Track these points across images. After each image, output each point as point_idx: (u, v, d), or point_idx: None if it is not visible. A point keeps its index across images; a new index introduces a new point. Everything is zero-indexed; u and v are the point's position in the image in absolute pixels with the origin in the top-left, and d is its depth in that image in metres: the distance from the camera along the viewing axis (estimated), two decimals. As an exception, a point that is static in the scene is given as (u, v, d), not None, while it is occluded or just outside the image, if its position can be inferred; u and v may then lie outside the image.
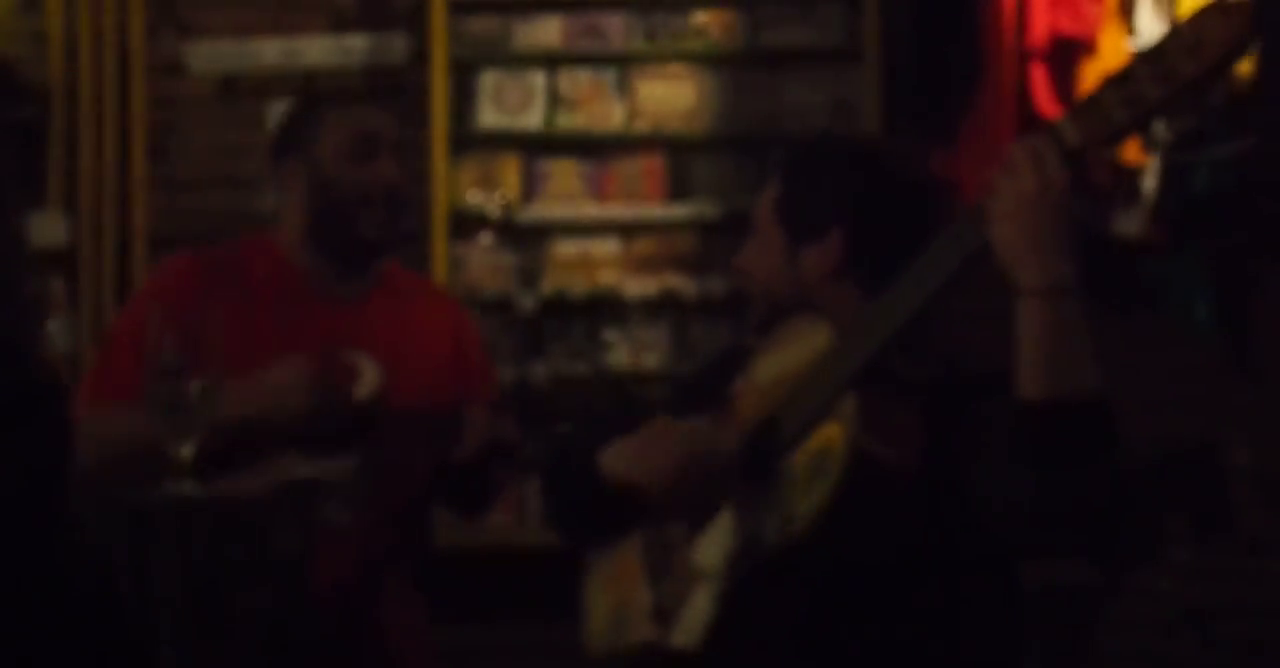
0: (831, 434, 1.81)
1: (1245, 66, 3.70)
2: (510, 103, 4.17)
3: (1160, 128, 3.86)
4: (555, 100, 4.17)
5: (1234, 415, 4.06)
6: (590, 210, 4.14)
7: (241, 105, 4.27)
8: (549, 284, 4.10)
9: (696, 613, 1.93)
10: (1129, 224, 3.93)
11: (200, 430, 2.05)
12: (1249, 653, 4.00)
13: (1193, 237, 3.97)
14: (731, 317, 4.06)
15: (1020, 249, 1.71)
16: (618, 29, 4.18)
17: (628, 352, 4.10)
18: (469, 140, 4.16)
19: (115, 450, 2.27)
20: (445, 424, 2.43)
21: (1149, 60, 1.62)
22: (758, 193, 2.11)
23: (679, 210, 4.12)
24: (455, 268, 4.09)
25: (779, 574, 1.86)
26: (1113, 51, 3.81)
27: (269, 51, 4.25)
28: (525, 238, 4.15)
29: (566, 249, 4.14)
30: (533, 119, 4.17)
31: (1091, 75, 3.81)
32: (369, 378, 2.35)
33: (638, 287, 4.08)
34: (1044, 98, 3.83)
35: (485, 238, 4.14)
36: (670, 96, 4.16)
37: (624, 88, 4.17)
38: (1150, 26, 3.84)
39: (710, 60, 4.16)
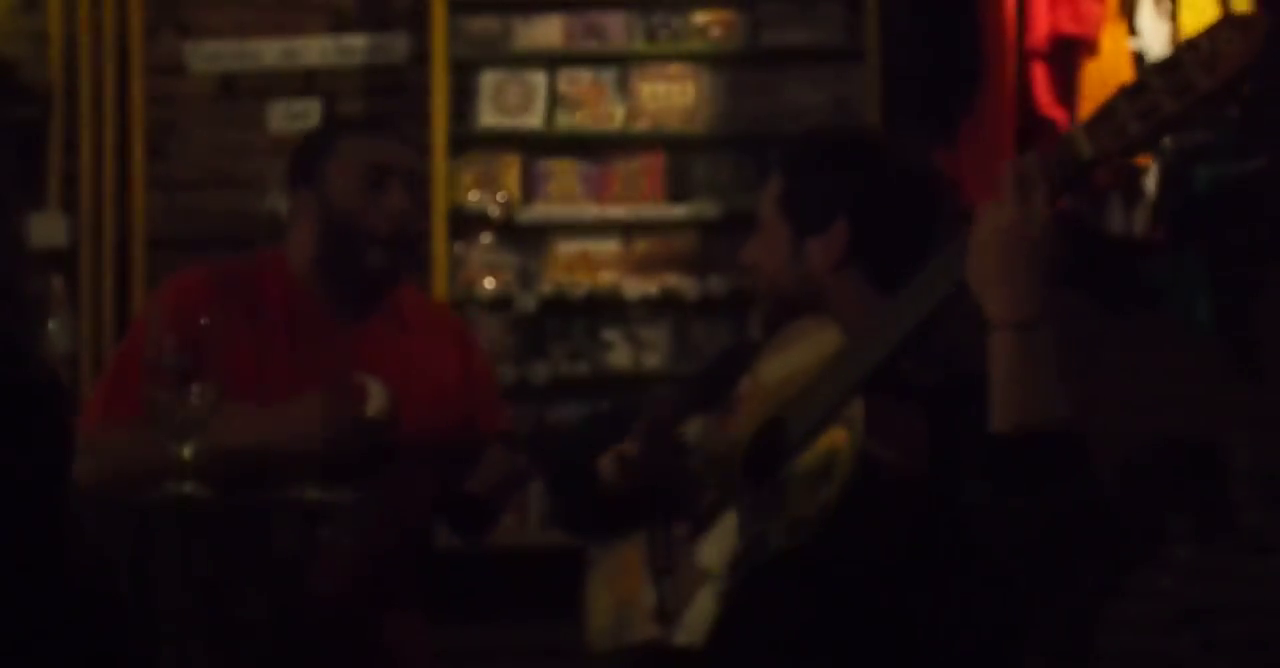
0: (837, 438, 1.81)
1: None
2: (510, 103, 4.17)
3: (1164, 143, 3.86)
4: (555, 100, 4.17)
5: (1234, 415, 4.06)
6: (591, 210, 4.13)
7: (241, 105, 4.26)
8: (549, 284, 4.10)
9: (699, 613, 1.93)
10: (1129, 224, 3.93)
11: (201, 431, 2.05)
12: (1250, 653, 3.99)
13: (1193, 236, 3.97)
14: (732, 317, 4.06)
15: (991, 282, 1.71)
16: (618, 29, 4.18)
17: (628, 352, 4.09)
18: (469, 140, 4.15)
19: (127, 470, 2.27)
20: (453, 447, 2.43)
21: (1164, 72, 1.60)
22: (760, 190, 2.12)
23: (679, 210, 4.11)
24: (455, 268, 4.08)
25: (782, 577, 1.86)
26: (1114, 51, 3.81)
27: (269, 51, 4.24)
28: (525, 238, 4.15)
29: (567, 249, 4.14)
30: (533, 119, 4.16)
31: (1092, 75, 3.80)
32: (377, 401, 2.35)
33: (638, 287, 4.07)
34: (1045, 97, 3.83)
35: (485, 238, 4.13)
36: (671, 96, 4.15)
37: (624, 88, 4.17)
38: (1151, 26, 3.84)
39: (711, 60, 4.16)
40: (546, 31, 4.18)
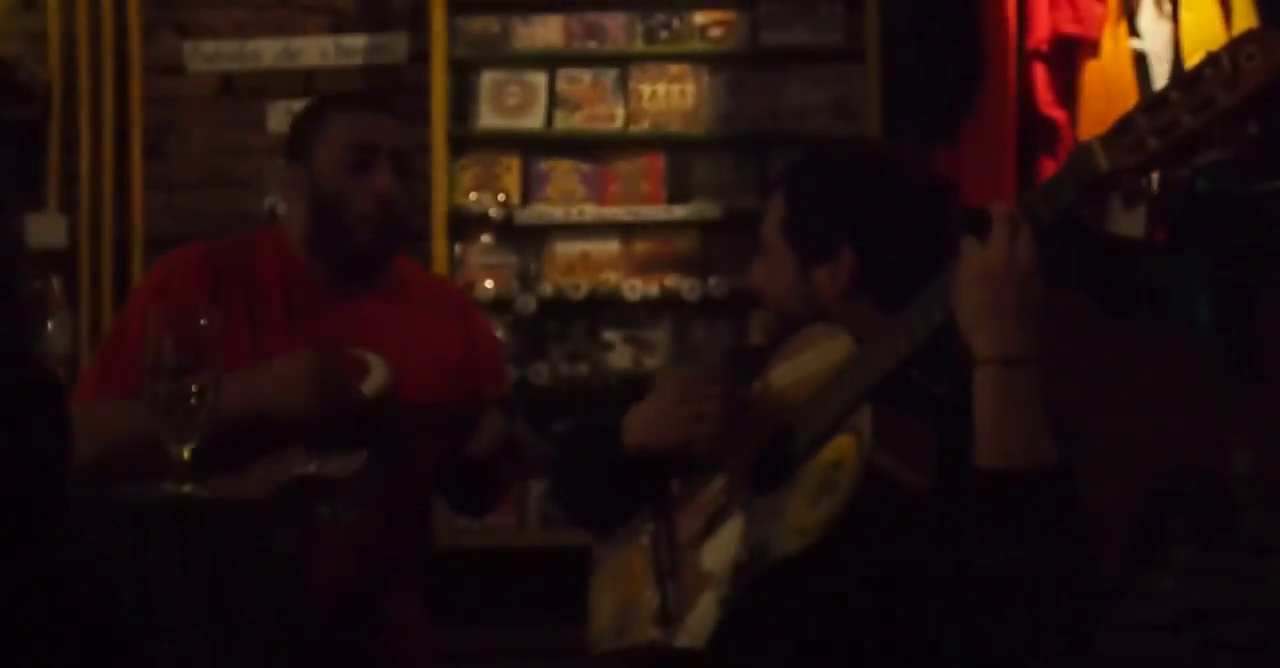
0: (845, 447, 1.80)
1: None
2: (510, 103, 4.16)
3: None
4: (555, 101, 4.16)
5: (1235, 416, 4.05)
6: (590, 211, 4.13)
7: (241, 105, 4.26)
8: (549, 285, 4.09)
9: (701, 617, 1.92)
10: (1130, 224, 3.92)
11: (200, 431, 2.04)
12: (1251, 654, 3.99)
13: (1194, 237, 3.97)
14: (732, 317, 4.05)
15: (978, 319, 1.72)
16: (618, 29, 4.17)
17: (628, 353, 4.09)
18: (469, 141, 4.14)
19: (114, 445, 2.26)
20: (454, 423, 2.42)
21: (1184, 87, 1.59)
22: (764, 193, 2.10)
23: (679, 211, 4.10)
24: (455, 268, 4.08)
25: (785, 584, 1.86)
26: (1114, 52, 3.80)
27: (268, 51, 4.23)
28: (525, 238, 4.14)
29: (567, 250, 4.13)
30: (533, 119, 4.16)
31: (1093, 75, 3.80)
32: (377, 374, 2.34)
33: (638, 287, 4.06)
34: (1045, 98, 3.82)
35: (485, 238, 4.13)
36: (671, 97, 4.15)
37: (624, 88, 4.16)
38: (1152, 27, 3.84)
39: (711, 60, 4.15)
40: (546, 32, 4.18)
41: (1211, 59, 1.58)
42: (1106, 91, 3.79)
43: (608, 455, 2.05)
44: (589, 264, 4.12)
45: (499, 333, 4.06)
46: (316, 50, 4.23)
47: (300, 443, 2.31)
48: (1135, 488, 4.04)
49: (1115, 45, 3.81)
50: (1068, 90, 3.83)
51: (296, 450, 2.30)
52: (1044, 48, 3.81)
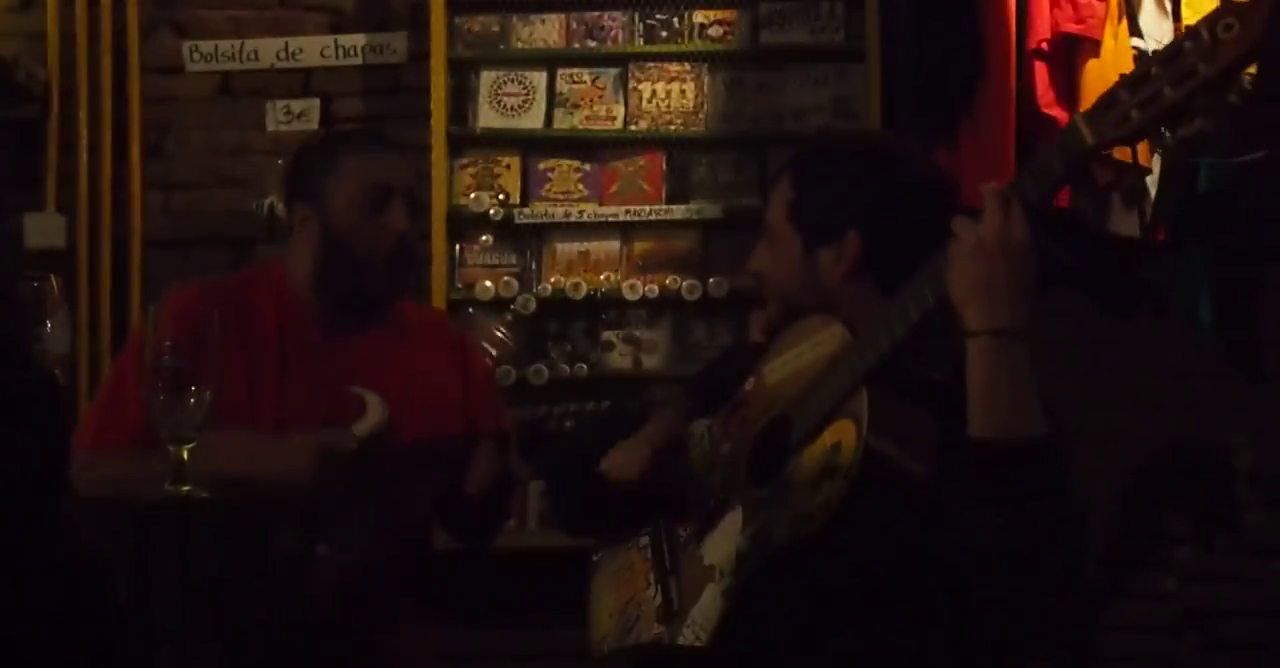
0: (843, 432, 1.81)
1: (1252, 68, 3.69)
2: (510, 103, 4.15)
3: (1164, 132, 3.84)
4: (555, 100, 4.16)
5: (1237, 416, 4.05)
6: (590, 210, 4.12)
7: (239, 105, 4.25)
8: (548, 284, 4.08)
9: (705, 611, 1.92)
10: (1130, 224, 3.92)
11: (198, 432, 2.04)
12: (1251, 654, 3.98)
13: (1195, 237, 3.96)
14: (732, 317, 4.04)
15: (969, 293, 1.76)
16: (618, 28, 4.16)
17: (628, 352, 4.08)
18: (468, 140, 4.14)
19: (115, 493, 2.26)
20: (450, 459, 2.42)
21: (1165, 62, 1.63)
22: (764, 192, 2.11)
23: (679, 210, 4.10)
24: (454, 268, 4.07)
25: (789, 571, 1.86)
26: (1115, 50, 3.79)
27: (267, 51, 4.23)
28: (525, 238, 4.13)
29: (566, 249, 4.12)
30: (532, 119, 4.15)
31: (1094, 74, 3.79)
32: (374, 413, 2.34)
33: (638, 287, 4.06)
34: (1046, 97, 3.81)
35: (485, 238, 4.12)
36: (670, 96, 4.14)
37: (624, 87, 4.15)
38: (1153, 25, 3.83)
39: (711, 59, 4.14)
40: (546, 31, 4.17)
41: (1191, 32, 1.62)
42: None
43: (591, 497, 2.07)
44: (588, 264, 4.11)
45: (498, 333, 4.06)
46: (316, 50, 4.22)
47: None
48: (1135, 488, 4.03)
49: (1116, 44, 3.80)
50: (1068, 89, 3.81)
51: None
52: (1045, 47, 3.80)
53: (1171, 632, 4.03)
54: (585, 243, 4.12)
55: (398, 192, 2.46)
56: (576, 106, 4.16)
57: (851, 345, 1.88)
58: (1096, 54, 3.80)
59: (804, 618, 1.89)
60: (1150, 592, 4.03)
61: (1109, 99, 1.68)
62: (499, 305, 4.05)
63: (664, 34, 4.16)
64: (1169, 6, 3.85)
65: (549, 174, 4.16)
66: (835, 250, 1.98)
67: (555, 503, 2.27)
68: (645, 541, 2.09)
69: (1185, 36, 1.62)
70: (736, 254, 4.09)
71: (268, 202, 4.10)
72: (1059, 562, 1.76)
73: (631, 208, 4.11)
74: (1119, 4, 3.81)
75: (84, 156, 4.19)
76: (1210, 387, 4.06)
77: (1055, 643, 3.99)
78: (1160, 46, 3.79)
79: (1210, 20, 1.61)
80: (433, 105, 4.04)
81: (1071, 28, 3.78)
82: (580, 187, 4.15)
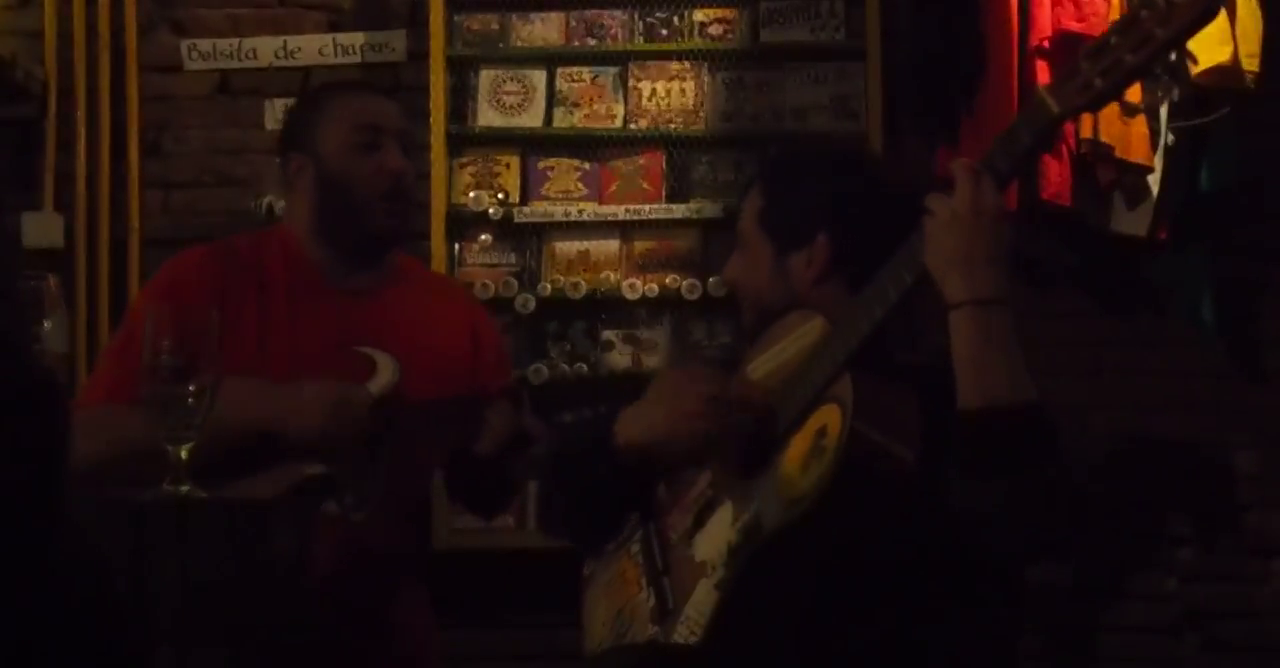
0: (828, 415, 1.83)
1: (1253, 64, 3.68)
2: (509, 101, 4.15)
3: (1165, 130, 3.84)
4: (555, 99, 4.15)
5: (1239, 416, 4.04)
6: (590, 209, 4.11)
7: (238, 104, 4.24)
8: (548, 284, 4.07)
9: (699, 605, 1.93)
10: (1132, 223, 3.91)
11: (198, 431, 2.03)
12: (1252, 655, 3.98)
13: (1196, 236, 3.96)
14: (731, 316, 4.02)
15: (947, 266, 1.80)
16: (618, 27, 4.16)
17: (627, 352, 4.07)
18: (468, 139, 4.13)
19: (119, 450, 2.25)
20: (461, 417, 2.41)
21: (1123, 31, 1.71)
22: (740, 203, 2.14)
23: (679, 209, 4.09)
24: (454, 267, 4.06)
25: (780, 558, 1.87)
26: (1116, 49, 3.78)
27: (266, 49, 4.22)
28: (524, 237, 4.12)
29: (566, 248, 4.11)
30: (532, 118, 4.14)
31: (1095, 73, 3.78)
32: (384, 372, 2.33)
33: (638, 286, 4.05)
34: (1047, 96, 3.80)
35: (484, 237, 4.11)
36: (670, 95, 4.13)
37: (624, 86, 4.15)
38: (1154, 23, 3.82)
39: (711, 58, 4.13)
40: (545, 29, 4.16)
41: (1146, 2, 1.70)
42: (1109, 90, 3.77)
43: (598, 465, 2.07)
44: (588, 263, 4.11)
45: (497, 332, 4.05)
46: (314, 48, 4.21)
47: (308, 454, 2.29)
48: (1136, 488, 4.02)
49: (1117, 43, 3.79)
50: (1070, 88, 3.80)
51: (304, 459, 2.29)
52: (1046, 45, 3.80)
53: (1172, 632, 4.02)
54: (585, 242, 4.12)
55: (389, 132, 2.46)
56: (576, 105, 4.15)
57: (833, 333, 1.90)
58: (1098, 52, 3.78)
59: (797, 604, 1.90)
60: (1151, 592, 4.03)
61: (1072, 69, 1.75)
62: (498, 305, 4.04)
63: (664, 32, 4.15)
64: (1170, 4, 3.83)
65: (548, 173, 4.15)
66: (806, 254, 2.02)
67: (552, 503, 2.25)
68: (635, 547, 2.10)
69: (1140, 5, 1.70)
70: (723, 268, 4.10)
71: (266, 200, 4.09)
72: (1057, 521, 1.79)
73: (631, 207, 4.10)
74: (1120, 2, 3.80)
75: (82, 156, 4.18)
76: (1211, 387, 4.05)
77: (1056, 644, 3.98)
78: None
79: None
80: (432, 104, 4.04)
81: (1073, 26, 3.77)
82: (580, 186, 4.14)
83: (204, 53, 4.23)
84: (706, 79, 4.13)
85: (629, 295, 4.05)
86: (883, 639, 1.89)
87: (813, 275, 2.02)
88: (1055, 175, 3.75)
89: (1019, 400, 1.77)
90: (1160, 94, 3.73)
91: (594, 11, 4.15)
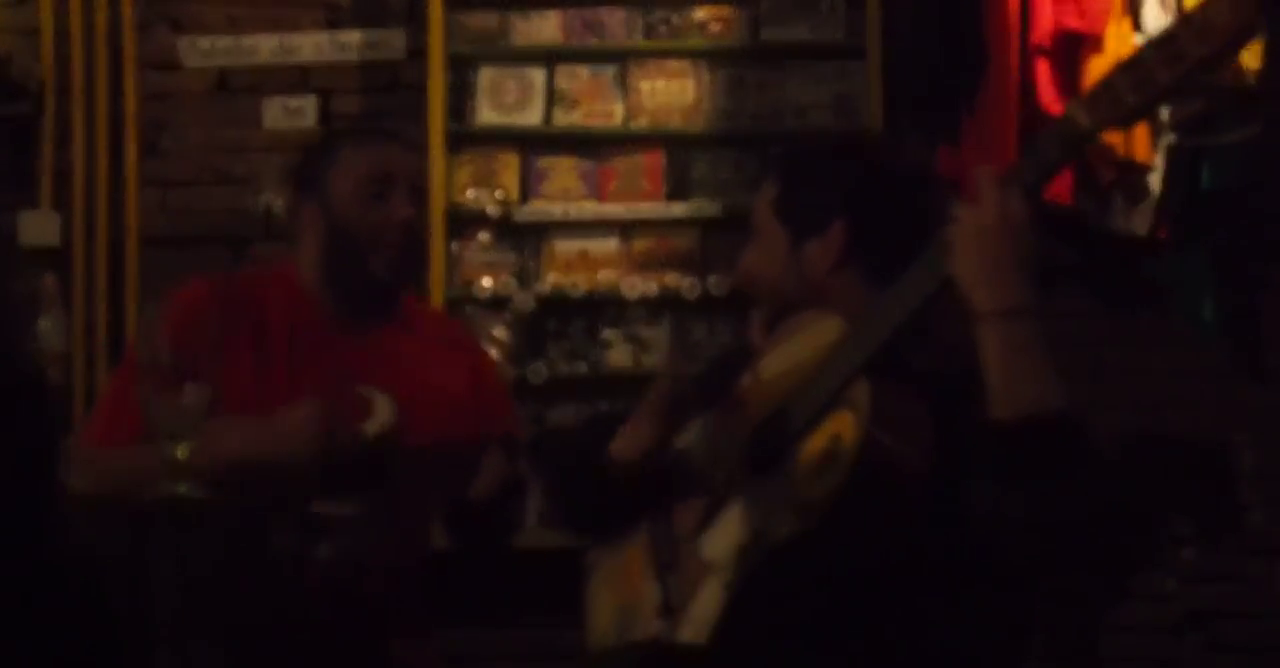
0: (843, 423, 1.82)
1: (1252, 59, 3.68)
2: (509, 99, 4.13)
3: (1166, 129, 3.83)
4: (554, 97, 4.14)
5: (1241, 416, 4.04)
6: (589, 208, 4.10)
7: (236, 101, 4.23)
8: (548, 283, 4.06)
9: (705, 606, 1.92)
10: (1133, 223, 3.90)
11: (196, 431, 2.02)
12: (1254, 655, 3.97)
13: (1198, 235, 3.95)
14: (731, 316, 4.02)
15: (975, 277, 1.77)
16: (617, 25, 4.14)
17: (627, 351, 4.06)
18: (467, 137, 4.12)
19: (105, 489, 2.24)
20: (460, 459, 2.40)
21: (1159, 46, 1.67)
22: (755, 194, 2.12)
23: (679, 208, 4.08)
24: (453, 267, 4.05)
25: (790, 563, 1.86)
26: (1118, 47, 3.77)
27: (264, 47, 4.21)
28: (524, 236, 4.11)
29: (566, 247, 4.10)
30: (531, 116, 4.13)
31: (1097, 71, 3.77)
32: (382, 414, 2.31)
33: (637, 285, 4.04)
34: (1048, 94, 3.80)
35: (483, 236, 4.10)
36: (670, 93, 4.12)
37: (624, 84, 4.14)
38: (1156, 21, 3.81)
39: (711, 56, 4.12)
40: (545, 28, 4.15)
41: (1184, 17, 1.67)
42: (1110, 88, 3.76)
43: (597, 479, 2.06)
44: (588, 262, 4.10)
45: (497, 331, 4.04)
46: (312, 46, 4.20)
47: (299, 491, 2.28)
48: (1136, 488, 4.01)
49: (1119, 41, 3.79)
50: (1071, 86, 3.80)
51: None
52: (1047, 43, 3.79)
53: (1174, 633, 4.01)
54: (584, 241, 4.11)
55: (400, 180, 2.45)
56: (576, 104, 4.14)
57: (849, 336, 1.88)
58: (1099, 50, 3.78)
59: (805, 610, 1.89)
60: (1152, 593, 4.02)
61: (1105, 83, 1.72)
62: (498, 304, 4.03)
63: (664, 31, 4.14)
64: (1172, 3, 3.83)
65: (548, 171, 4.14)
66: (821, 242, 2.00)
67: (554, 501, 2.25)
68: (642, 539, 2.09)
69: (1179, 22, 1.67)
70: (736, 252, 4.08)
71: (265, 199, 4.08)
72: (1091, 529, 1.77)
73: (631, 206, 4.09)
74: (1122, 0, 3.80)
75: (79, 154, 4.18)
76: (1213, 386, 4.05)
77: (1057, 644, 3.97)
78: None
79: (1203, 4, 1.65)
80: (431, 102, 4.02)
81: (1074, 24, 3.77)
82: (579, 184, 4.13)
83: (202, 50, 4.22)
84: (706, 78, 4.12)
85: (628, 294, 4.04)
86: (891, 647, 1.88)
87: (829, 263, 1.99)
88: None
89: (1049, 409, 1.75)
90: (1189, 111, 3.70)
91: (594, 9, 4.14)
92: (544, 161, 4.14)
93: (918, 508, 1.81)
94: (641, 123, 4.12)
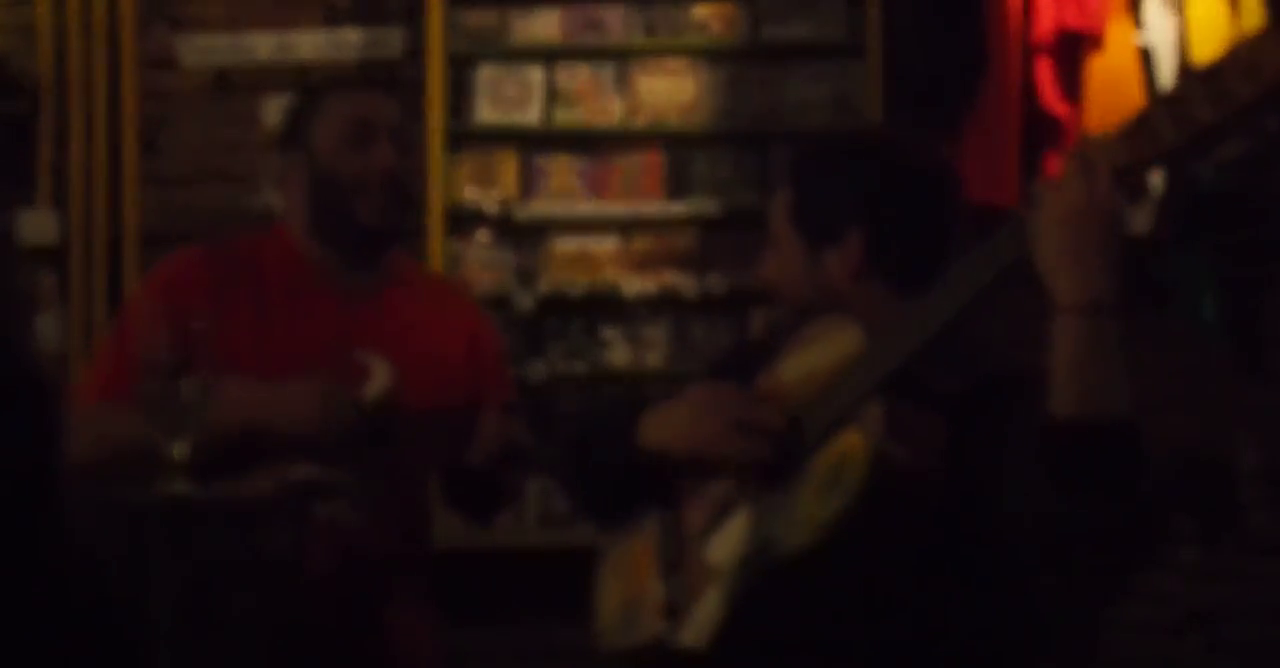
0: (855, 440, 1.79)
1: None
2: (508, 98, 4.13)
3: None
4: (554, 95, 4.13)
5: (1242, 415, 4.03)
6: (589, 207, 4.10)
7: (235, 100, 4.23)
8: (547, 282, 4.06)
9: (706, 612, 1.91)
10: (1135, 221, 3.90)
11: (194, 429, 2.01)
12: (1255, 655, 3.97)
13: (1199, 235, 3.95)
14: (731, 315, 4.03)
15: (1061, 262, 1.69)
16: (617, 23, 4.14)
17: (627, 350, 4.06)
18: (466, 136, 4.12)
19: (112, 448, 2.23)
20: (458, 424, 2.39)
21: (1204, 81, 1.58)
22: (767, 193, 2.11)
23: (679, 207, 4.08)
24: (453, 265, 4.04)
25: (794, 578, 1.84)
26: (1120, 46, 3.77)
27: (263, 45, 4.20)
28: (523, 235, 4.11)
29: (565, 246, 4.10)
30: (531, 114, 4.13)
31: (1098, 70, 3.77)
32: (380, 378, 2.31)
33: (637, 284, 4.04)
34: (1049, 93, 3.80)
35: (483, 235, 4.09)
36: (670, 92, 4.12)
37: (623, 83, 4.13)
38: (1158, 20, 3.81)
39: (711, 55, 4.12)
40: (544, 26, 4.15)
41: (1231, 52, 1.56)
42: (1111, 86, 3.77)
43: (619, 456, 2.03)
44: (587, 261, 4.09)
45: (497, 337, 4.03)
46: (311, 44, 4.20)
47: (302, 454, 2.27)
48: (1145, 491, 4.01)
49: (1120, 39, 3.78)
50: (1072, 85, 3.80)
51: (297, 460, 2.27)
52: (1048, 42, 3.79)
53: (1175, 632, 4.01)
54: (583, 239, 4.10)
55: (381, 127, 2.43)
56: (575, 102, 4.13)
57: (868, 350, 1.85)
58: (1100, 49, 3.78)
59: (806, 626, 1.88)
60: (1154, 592, 4.02)
61: (1144, 116, 1.62)
62: (497, 303, 4.02)
63: (663, 29, 4.14)
64: (1173, 1, 3.82)
65: (547, 170, 4.13)
66: (839, 250, 1.96)
67: (575, 486, 2.22)
68: (652, 532, 2.07)
69: (1225, 56, 1.56)
70: (736, 251, 4.11)
71: (263, 197, 4.07)
72: (1139, 546, 1.73)
73: (630, 204, 4.09)
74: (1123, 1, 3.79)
75: (77, 152, 4.17)
76: (1216, 385, 4.04)
77: (1057, 644, 3.97)
78: (1164, 42, 3.81)
79: (1253, 41, 1.55)
80: (430, 100, 4.02)
81: (1075, 23, 3.76)
82: (579, 183, 4.12)
83: (200, 49, 4.21)
84: (706, 76, 4.11)
85: (628, 293, 4.03)
86: (892, 662, 1.87)
87: (848, 273, 1.95)
88: (1056, 172, 3.74)
89: (1113, 415, 1.68)
90: (1223, 153, 3.64)
91: (593, 7, 4.13)
92: (543, 160, 4.13)
93: (928, 526, 1.79)
94: (641, 121, 4.11)
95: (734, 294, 3.98)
